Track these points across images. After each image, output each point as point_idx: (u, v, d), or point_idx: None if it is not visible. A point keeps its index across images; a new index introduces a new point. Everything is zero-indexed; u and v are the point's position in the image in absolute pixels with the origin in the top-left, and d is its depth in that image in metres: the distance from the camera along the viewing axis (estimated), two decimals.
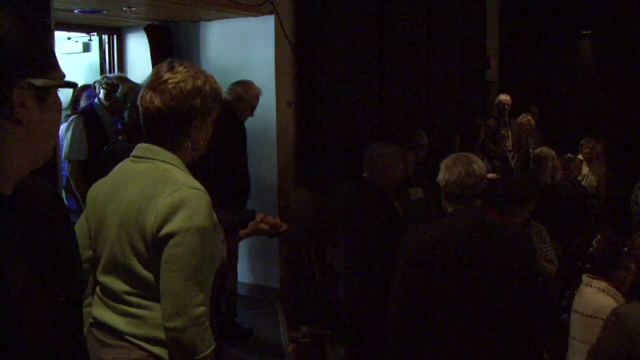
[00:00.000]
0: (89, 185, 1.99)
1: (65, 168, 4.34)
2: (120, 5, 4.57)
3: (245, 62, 5.21)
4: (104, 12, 4.77)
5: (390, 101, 6.19)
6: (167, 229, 1.69)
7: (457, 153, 2.68)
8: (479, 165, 2.52)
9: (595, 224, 5.97)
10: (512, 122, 7.55)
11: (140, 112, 1.85)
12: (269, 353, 4.38)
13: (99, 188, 1.92)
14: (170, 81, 1.79)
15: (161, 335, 1.73)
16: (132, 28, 5.62)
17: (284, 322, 4.43)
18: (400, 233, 2.80)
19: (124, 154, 1.94)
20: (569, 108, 10.01)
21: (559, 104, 9.99)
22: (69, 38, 5.63)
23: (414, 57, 6.62)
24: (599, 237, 3.52)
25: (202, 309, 1.72)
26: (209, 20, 5.37)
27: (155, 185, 1.75)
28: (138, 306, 1.77)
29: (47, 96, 1.07)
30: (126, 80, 4.72)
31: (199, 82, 1.82)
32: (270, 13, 5.03)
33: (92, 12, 4.73)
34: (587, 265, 3.36)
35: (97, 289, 1.88)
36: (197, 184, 1.77)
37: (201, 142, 1.87)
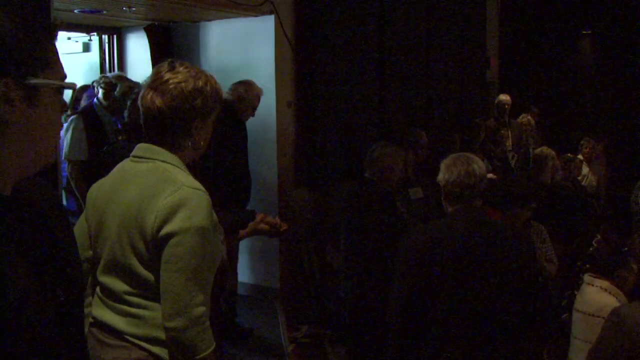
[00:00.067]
0: (89, 186, 1.99)
1: (65, 169, 4.33)
2: (120, 5, 4.57)
3: (245, 62, 5.21)
4: (104, 12, 4.77)
5: (390, 101, 6.19)
6: (167, 229, 1.69)
7: (457, 153, 2.68)
8: (478, 165, 2.52)
9: (595, 224, 5.96)
10: (512, 122, 7.55)
11: (141, 112, 1.85)
12: (269, 353, 4.38)
13: (99, 188, 1.92)
14: (171, 81, 1.79)
15: (161, 335, 1.73)
16: (132, 28, 5.62)
17: (284, 322, 4.43)
18: (401, 233, 2.80)
19: (124, 154, 1.94)
20: (569, 108, 10.01)
21: (559, 104, 9.99)
22: (69, 38, 5.63)
23: (414, 57, 6.62)
24: (599, 237, 3.52)
25: (202, 309, 1.72)
26: (209, 20, 5.37)
27: (156, 185, 1.75)
28: (138, 306, 1.77)
29: (39, 95, 1.05)
30: (124, 79, 4.71)
31: (200, 83, 1.82)
32: (270, 13, 5.03)
33: (92, 12, 4.73)
34: (587, 265, 3.36)
35: (97, 289, 1.88)
36: (197, 184, 1.77)
37: (201, 142, 1.87)
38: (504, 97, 7.52)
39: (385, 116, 6.12)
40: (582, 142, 7.16)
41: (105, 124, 4.48)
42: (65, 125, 4.38)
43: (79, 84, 5.12)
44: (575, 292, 3.37)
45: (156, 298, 1.73)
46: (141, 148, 1.86)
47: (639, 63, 9.37)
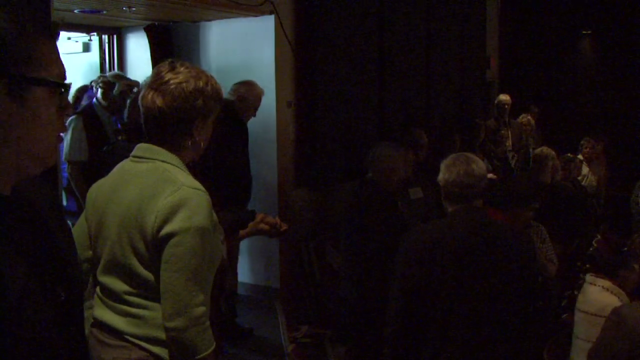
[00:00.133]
0: (90, 186, 1.99)
1: (65, 169, 4.33)
2: (120, 5, 4.57)
3: (245, 62, 5.21)
4: (104, 12, 4.77)
5: (390, 101, 6.19)
6: (167, 229, 1.69)
7: (457, 153, 2.68)
8: (478, 165, 2.52)
9: (595, 224, 5.97)
10: (512, 122, 7.55)
11: (142, 112, 1.85)
12: (269, 353, 4.38)
13: (99, 188, 1.92)
14: (172, 82, 1.79)
15: (161, 335, 1.73)
16: (132, 28, 5.62)
17: (284, 322, 4.42)
18: (403, 233, 2.80)
19: (124, 154, 1.94)
20: (569, 108, 10.00)
21: (559, 104, 9.98)
22: (69, 38, 5.63)
23: (414, 57, 6.62)
24: (599, 237, 3.52)
25: (202, 309, 1.72)
26: (209, 20, 5.37)
27: (156, 185, 1.75)
28: (138, 306, 1.77)
29: (29, 95, 1.03)
30: (123, 77, 4.71)
31: (201, 83, 1.82)
32: (270, 13, 5.03)
33: (92, 12, 4.73)
34: (587, 265, 3.36)
35: (97, 289, 1.88)
36: (197, 184, 1.77)
37: (202, 143, 1.87)
38: (504, 97, 7.52)
39: (385, 116, 6.12)
40: (582, 142, 7.15)
41: (105, 124, 4.48)
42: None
43: (79, 84, 5.13)
44: (576, 292, 3.37)
45: (156, 298, 1.73)
46: (141, 148, 1.86)
47: (639, 63, 9.37)
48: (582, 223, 5.11)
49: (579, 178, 6.40)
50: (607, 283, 2.92)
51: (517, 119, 7.79)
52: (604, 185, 7.55)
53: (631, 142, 8.93)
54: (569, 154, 6.10)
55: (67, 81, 1.12)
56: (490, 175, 3.91)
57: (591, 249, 3.46)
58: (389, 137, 5.46)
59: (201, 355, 1.70)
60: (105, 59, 5.70)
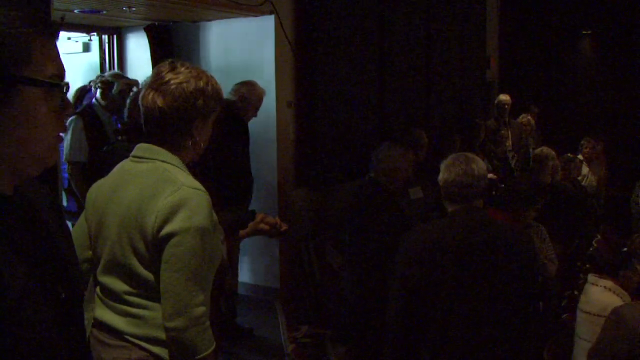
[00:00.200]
0: (90, 186, 1.99)
1: (65, 169, 4.33)
2: (120, 5, 4.57)
3: (245, 62, 5.21)
4: (104, 12, 4.77)
5: (390, 101, 6.19)
6: (167, 229, 1.69)
7: (457, 153, 2.68)
8: (478, 165, 2.52)
9: (595, 224, 5.97)
10: (512, 122, 7.54)
11: (142, 112, 1.85)
12: (269, 353, 4.38)
13: (99, 188, 1.92)
14: (172, 82, 1.79)
15: (162, 335, 1.73)
16: (132, 28, 5.62)
17: (284, 322, 4.43)
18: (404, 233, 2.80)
19: (124, 154, 1.94)
20: (569, 108, 10.00)
21: (559, 104, 9.98)
22: (69, 38, 5.62)
23: (414, 57, 6.62)
24: (599, 237, 3.52)
25: (202, 309, 1.72)
26: (209, 20, 5.37)
27: (156, 185, 1.76)
28: (138, 306, 1.77)
29: (16, 94, 1.01)
30: (121, 77, 4.70)
31: (201, 83, 1.82)
32: (270, 13, 5.03)
33: (92, 12, 4.73)
34: (587, 265, 3.36)
35: (97, 289, 1.88)
36: (197, 184, 1.77)
37: (201, 143, 1.88)
38: (504, 97, 7.52)
39: (385, 116, 6.13)
40: (582, 142, 7.15)
41: (105, 124, 4.47)
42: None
43: (79, 84, 5.12)
44: (576, 292, 3.37)
45: (156, 298, 1.73)
46: (141, 148, 1.86)
47: (639, 63, 9.37)
48: (582, 223, 5.11)
49: (579, 178, 6.40)
50: (609, 283, 2.92)
51: (517, 119, 7.79)
52: (604, 185, 7.55)
53: (631, 142, 8.93)
54: (569, 154, 6.10)
55: (65, 81, 1.10)
56: (490, 175, 3.92)
57: (591, 249, 3.47)
58: (389, 137, 5.47)
59: (201, 355, 1.70)
60: (105, 59, 5.70)
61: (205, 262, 1.74)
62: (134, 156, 1.87)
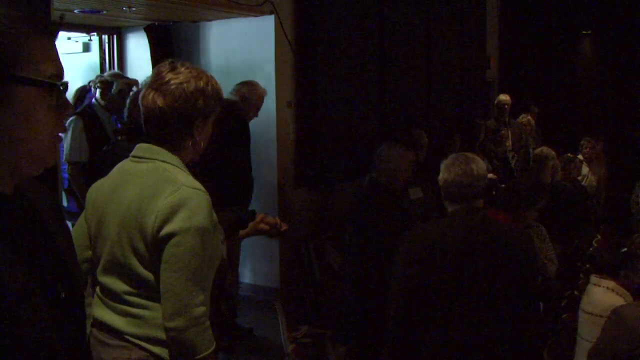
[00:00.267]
0: (90, 186, 1.99)
1: (65, 170, 4.32)
2: (120, 5, 4.57)
3: (245, 62, 5.21)
4: (104, 12, 4.77)
5: (390, 101, 6.20)
6: (167, 229, 1.69)
7: (457, 153, 2.68)
8: (477, 164, 2.52)
9: (595, 224, 5.98)
10: (512, 122, 7.54)
11: (142, 112, 1.85)
12: (269, 353, 4.38)
13: (99, 188, 1.92)
14: (172, 82, 1.79)
15: (162, 335, 1.73)
16: (132, 28, 5.62)
17: (284, 322, 4.42)
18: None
19: (124, 154, 1.94)
20: (569, 108, 10.01)
21: (559, 104, 9.99)
22: (69, 38, 5.62)
23: (414, 57, 6.62)
24: (599, 237, 3.53)
25: (202, 309, 1.72)
26: (209, 20, 5.37)
27: (156, 185, 1.76)
28: (138, 306, 1.77)
29: (10, 94, 1.00)
30: (120, 76, 4.70)
31: (202, 83, 1.82)
32: (270, 13, 5.03)
33: (92, 12, 4.73)
34: (587, 265, 3.36)
35: (97, 289, 1.88)
36: (197, 184, 1.77)
37: (201, 143, 1.88)
38: (504, 97, 7.52)
39: (385, 116, 6.13)
40: (582, 142, 7.15)
41: (104, 124, 4.47)
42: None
43: (79, 84, 5.12)
44: (576, 292, 3.37)
45: (156, 298, 1.73)
46: (141, 148, 1.86)
47: (639, 63, 9.37)
48: (582, 223, 5.12)
49: (579, 178, 6.40)
50: (611, 283, 2.91)
51: (517, 119, 7.79)
52: (604, 185, 7.55)
53: (631, 142, 8.93)
54: (569, 154, 6.11)
55: (63, 81, 1.10)
56: (490, 175, 3.92)
57: (591, 249, 3.47)
58: (389, 137, 5.47)
59: (201, 355, 1.70)
60: (105, 59, 5.70)
61: (205, 262, 1.74)
62: (133, 156, 1.87)
